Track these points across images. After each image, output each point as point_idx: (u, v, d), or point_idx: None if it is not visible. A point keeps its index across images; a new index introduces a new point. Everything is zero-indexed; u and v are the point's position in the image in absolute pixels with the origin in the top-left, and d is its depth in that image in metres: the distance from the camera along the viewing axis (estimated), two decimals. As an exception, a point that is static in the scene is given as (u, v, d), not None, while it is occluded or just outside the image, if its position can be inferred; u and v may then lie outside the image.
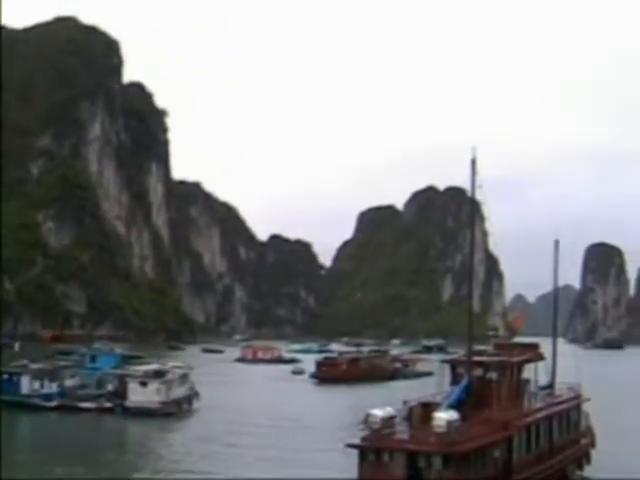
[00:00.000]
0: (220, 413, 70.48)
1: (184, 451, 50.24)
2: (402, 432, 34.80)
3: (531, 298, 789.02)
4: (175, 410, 67.27)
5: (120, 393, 67.26)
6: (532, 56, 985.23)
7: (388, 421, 34.60)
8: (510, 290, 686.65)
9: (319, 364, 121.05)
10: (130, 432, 60.41)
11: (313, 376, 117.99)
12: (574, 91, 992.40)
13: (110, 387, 69.70)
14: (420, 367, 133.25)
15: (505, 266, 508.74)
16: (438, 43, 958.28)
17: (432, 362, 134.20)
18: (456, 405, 35.73)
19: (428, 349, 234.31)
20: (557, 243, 48.74)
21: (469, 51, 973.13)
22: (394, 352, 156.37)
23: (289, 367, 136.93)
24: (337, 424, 64.51)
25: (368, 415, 34.22)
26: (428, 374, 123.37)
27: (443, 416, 33.32)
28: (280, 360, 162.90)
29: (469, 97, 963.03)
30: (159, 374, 68.18)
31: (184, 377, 71.82)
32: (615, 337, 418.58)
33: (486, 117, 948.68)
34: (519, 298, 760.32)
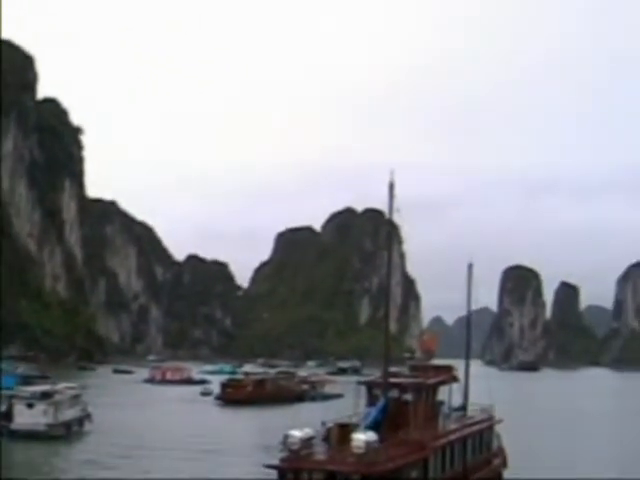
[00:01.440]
0: (113, 436, 67.48)
1: (65, 476, 48.52)
2: (321, 453, 34.99)
3: (449, 320, 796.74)
4: (63, 432, 64.29)
5: (9, 415, 64.22)
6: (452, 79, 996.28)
7: (307, 442, 34.73)
8: (429, 312, 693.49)
9: (224, 385, 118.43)
10: (10, 456, 56.29)
11: (217, 398, 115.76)
12: (507, 113, 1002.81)
13: (2, 408, 66.11)
14: (330, 389, 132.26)
15: (424, 288, 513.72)
16: (347, 58, 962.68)
17: (342, 384, 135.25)
18: (373, 426, 35.96)
19: (343, 371, 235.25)
20: (470, 267, 49.34)
21: (384, 64, 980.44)
22: (303, 373, 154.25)
23: (198, 388, 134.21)
24: (239, 446, 64.28)
25: (287, 436, 34.29)
26: (338, 396, 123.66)
27: (362, 437, 33.51)
28: (189, 381, 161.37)
29: (388, 117, 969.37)
30: (47, 395, 65.19)
31: (75, 398, 68.73)
32: (530, 359, 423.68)
33: (407, 136, 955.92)
34: (437, 320, 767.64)
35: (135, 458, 56.06)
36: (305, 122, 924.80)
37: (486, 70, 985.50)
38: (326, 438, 36.51)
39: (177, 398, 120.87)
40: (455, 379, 43.75)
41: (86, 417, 70.11)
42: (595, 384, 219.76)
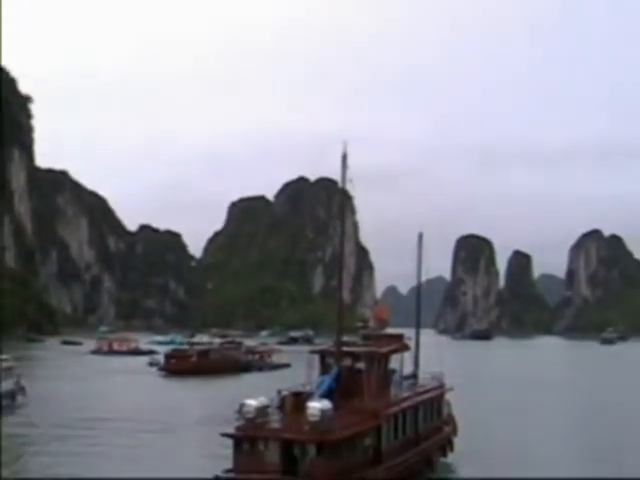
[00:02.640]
0: (46, 409, 65.87)
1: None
2: (276, 421, 35.41)
3: (404, 290, 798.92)
4: None
5: None
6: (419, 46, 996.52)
7: (262, 410, 35.12)
8: (384, 282, 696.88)
9: (168, 356, 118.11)
10: None
11: (161, 369, 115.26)
12: (457, 85, 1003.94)
13: None
14: (277, 359, 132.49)
15: (379, 258, 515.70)
16: (310, 24, 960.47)
17: (291, 354, 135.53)
18: (327, 395, 36.33)
19: (294, 340, 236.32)
20: (421, 236, 49.83)
21: (347, 37, 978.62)
22: (250, 343, 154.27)
23: (146, 359, 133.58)
24: (186, 417, 64.48)
25: (242, 405, 34.66)
26: (285, 366, 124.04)
27: (317, 405, 33.89)
28: (136, 352, 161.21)
29: (345, 86, 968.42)
30: None
31: (8, 370, 66.23)
32: (483, 328, 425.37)
33: (364, 107, 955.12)
34: (392, 290, 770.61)
35: (72, 429, 55.38)
36: (260, 91, 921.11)
37: (439, 39, 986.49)
38: (280, 407, 36.91)
39: (122, 369, 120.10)
40: (406, 348, 44.24)
41: (19, 390, 68.16)
42: (546, 353, 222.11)
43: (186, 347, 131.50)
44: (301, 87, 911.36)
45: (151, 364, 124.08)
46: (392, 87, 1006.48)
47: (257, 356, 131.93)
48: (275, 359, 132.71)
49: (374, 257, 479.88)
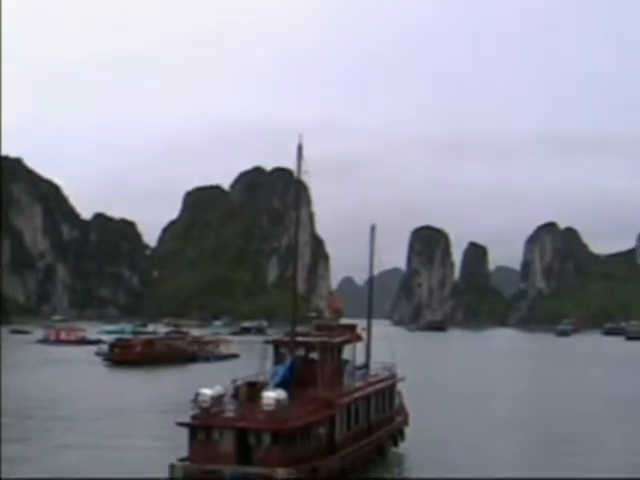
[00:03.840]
0: None
1: None
2: (232, 410, 35.77)
3: (360, 281, 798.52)
4: None
5: None
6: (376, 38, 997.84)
7: (217, 400, 35.49)
8: (341, 272, 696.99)
9: (112, 346, 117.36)
10: None
11: (106, 358, 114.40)
12: (412, 76, 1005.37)
13: None
14: (225, 349, 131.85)
15: (336, 249, 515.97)
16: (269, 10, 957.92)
17: (239, 344, 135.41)
18: (282, 384, 36.80)
19: (247, 331, 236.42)
20: (373, 228, 50.26)
21: (305, 28, 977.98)
22: (197, 333, 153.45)
23: (94, 348, 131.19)
24: (132, 407, 64.46)
25: (198, 394, 35.04)
26: (233, 356, 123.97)
27: (272, 395, 34.44)
28: (84, 341, 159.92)
29: (303, 76, 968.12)
30: None
31: None
32: (438, 319, 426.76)
33: (324, 98, 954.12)
34: (348, 280, 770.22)
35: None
36: (217, 79, 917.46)
37: (398, 28, 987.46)
38: (235, 396, 37.27)
39: (66, 358, 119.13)
40: (359, 338, 44.73)
41: None
42: (499, 344, 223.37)
43: (130, 337, 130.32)
44: (261, 77, 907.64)
45: (98, 354, 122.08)
46: (351, 78, 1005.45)
47: (204, 346, 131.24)
48: (223, 349, 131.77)
49: (331, 247, 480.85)
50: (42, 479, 38.77)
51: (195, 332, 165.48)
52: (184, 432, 35.00)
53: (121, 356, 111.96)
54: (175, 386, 78.96)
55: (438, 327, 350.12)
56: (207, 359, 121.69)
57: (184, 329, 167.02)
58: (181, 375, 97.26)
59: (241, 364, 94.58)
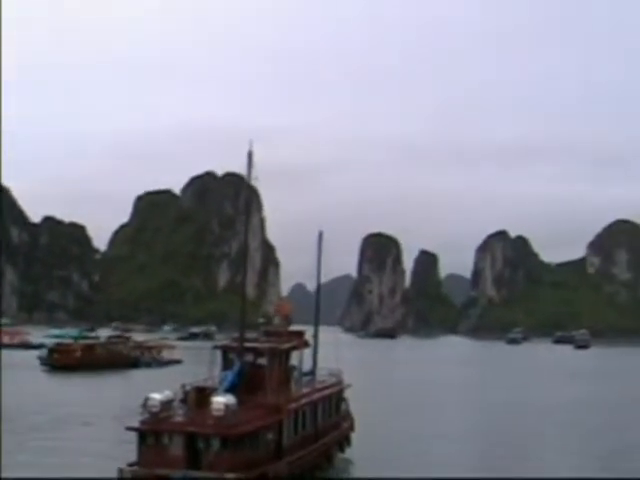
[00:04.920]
0: None
1: None
2: (181, 415, 35.94)
3: (311, 287, 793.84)
4: None
5: None
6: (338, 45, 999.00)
7: (167, 404, 35.62)
8: (293, 279, 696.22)
9: (51, 351, 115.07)
10: None
11: (44, 363, 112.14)
12: (379, 80, 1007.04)
13: None
14: (168, 355, 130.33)
15: (289, 255, 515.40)
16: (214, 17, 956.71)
17: (185, 350, 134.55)
18: (230, 390, 37.01)
19: (195, 336, 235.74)
20: (321, 235, 50.60)
21: (260, 30, 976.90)
22: (140, 338, 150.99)
23: (36, 353, 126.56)
24: (73, 414, 63.48)
25: (147, 399, 35.12)
26: (176, 362, 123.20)
27: (221, 400, 34.62)
28: (27, 345, 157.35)
29: (259, 80, 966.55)
30: None
31: None
32: (388, 327, 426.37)
33: (277, 102, 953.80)
34: (299, 287, 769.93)
35: None
36: (167, 83, 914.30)
37: (357, 26, 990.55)
38: (184, 401, 37.44)
39: (6, 363, 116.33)
40: (306, 344, 45.09)
41: None
42: (449, 352, 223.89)
43: (71, 341, 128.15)
44: (215, 82, 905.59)
45: (40, 358, 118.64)
46: (308, 83, 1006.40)
47: (146, 351, 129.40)
48: (166, 355, 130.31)
49: (284, 253, 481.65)
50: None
51: (142, 337, 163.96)
52: (132, 437, 35.10)
53: (60, 361, 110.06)
54: (116, 392, 78.60)
55: (388, 334, 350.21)
56: (149, 365, 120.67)
57: (127, 334, 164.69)
58: (122, 381, 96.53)
59: (184, 370, 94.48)
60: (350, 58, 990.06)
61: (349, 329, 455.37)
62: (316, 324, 49.81)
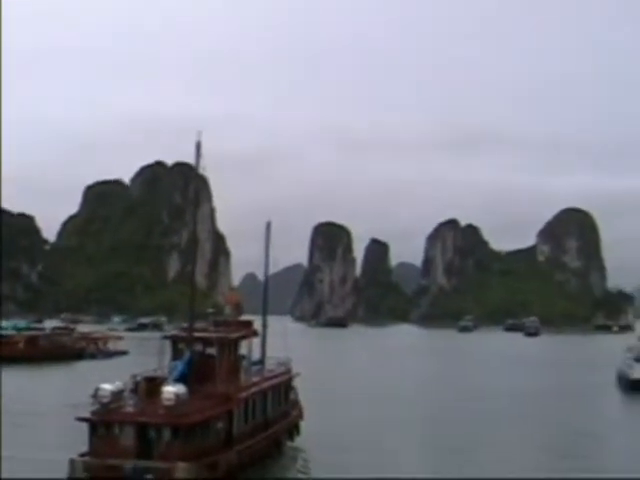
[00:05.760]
0: None
1: None
2: (132, 405, 36.08)
3: (263, 277, 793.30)
4: None
5: None
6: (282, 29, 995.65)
7: (117, 395, 35.74)
8: (244, 268, 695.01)
9: None
10: None
11: None
12: (331, 69, 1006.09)
13: None
14: (115, 346, 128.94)
15: (240, 243, 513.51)
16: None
17: (134, 340, 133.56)
18: (180, 379, 37.20)
19: (144, 326, 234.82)
20: (269, 225, 50.91)
21: (209, 21, 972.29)
22: (85, 329, 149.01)
23: None
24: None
25: (98, 389, 35.22)
26: (122, 353, 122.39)
27: (172, 390, 34.89)
28: None
29: (208, 70, 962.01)
30: None
31: None
32: (339, 315, 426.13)
33: (229, 91, 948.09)
34: (251, 276, 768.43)
35: None
36: (117, 73, 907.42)
37: (302, 16, 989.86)
38: (134, 391, 37.58)
39: None
40: (255, 334, 45.37)
41: None
42: (399, 340, 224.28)
43: (13, 333, 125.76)
44: (168, 72, 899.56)
45: None
46: (257, 73, 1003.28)
47: (91, 343, 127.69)
48: (112, 346, 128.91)
49: (236, 243, 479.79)
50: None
51: (90, 328, 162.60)
52: (82, 428, 35.16)
53: (2, 353, 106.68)
54: (61, 384, 77.91)
55: (339, 323, 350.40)
56: (94, 356, 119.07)
57: (73, 326, 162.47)
58: (66, 373, 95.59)
59: (131, 361, 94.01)
60: (301, 46, 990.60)
61: (300, 318, 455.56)
62: (264, 313, 50.10)
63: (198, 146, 39.93)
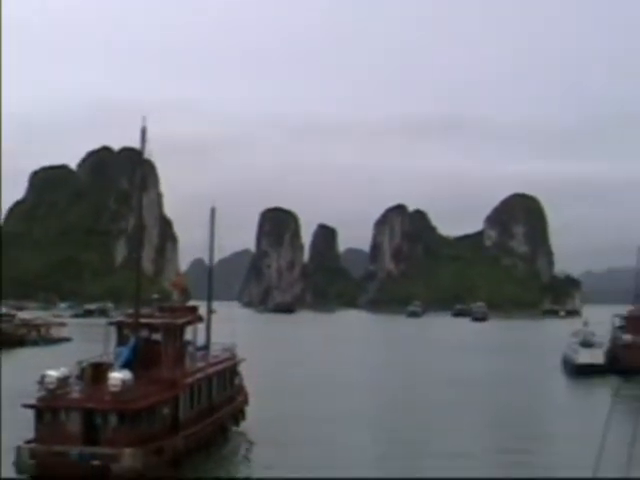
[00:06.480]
0: None
1: None
2: (78, 391, 36.12)
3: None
4: None
5: None
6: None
7: (63, 381, 35.75)
8: (193, 254, 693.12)
9: None
10: None
11: None
12: (267, 56, 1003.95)
13: None
14: (57, 332, 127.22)
15: (189, 229, 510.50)
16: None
17: (79, 327, 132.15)
18: (126, 365, 37.30)
19: (90, 313, 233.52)
20: (213, 211, 51.17)
21: (159, 7, 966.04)
22: (26, 316, 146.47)
23: None
24: None
25: (44, 376, 35.21)
26: (65, 340, 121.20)
27: (118, 376, 35.01)
28: None
29: (159, 54, 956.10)
30: None
31: None
32: (287, 301, 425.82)
33: (179, 78, 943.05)
34: (199, 262, 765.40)
35: None
36: (63, 58, 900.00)
37: (258, 14, 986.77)
38: (80, 377, 37.59)
39: None
40: (200, 319, 45.53)
41: None
42: (346, 326, 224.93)
43: None
44: (116, 57, 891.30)
45: None
46: (210, 59, 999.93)
47: (33, 330, 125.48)
48: (54, 333, 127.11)
49: (185, 228, 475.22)
50: None
51: (36, 315, 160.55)
52: (27, 415, 35.14)
53: None
54: (3, 371, 76.83)
55: (286, 309, 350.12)
56: (36, 343, 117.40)
57: (14, 312, 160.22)
58: (6, 360, 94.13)
59: (74, 347, 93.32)
60: (249, 35, 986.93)
61: (248, 304, 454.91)
62: (209, 299, 50.30)
63: (143, 131, 39.94)
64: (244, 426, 48.27)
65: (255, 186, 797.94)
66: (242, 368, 50.44)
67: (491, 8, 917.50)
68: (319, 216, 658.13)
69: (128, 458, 33.13)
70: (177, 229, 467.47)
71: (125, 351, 38.96)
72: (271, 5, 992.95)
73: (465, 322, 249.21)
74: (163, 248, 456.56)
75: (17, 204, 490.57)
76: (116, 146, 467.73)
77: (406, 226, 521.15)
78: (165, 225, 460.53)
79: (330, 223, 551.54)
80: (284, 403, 60.29)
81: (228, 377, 47.29)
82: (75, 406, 34.84)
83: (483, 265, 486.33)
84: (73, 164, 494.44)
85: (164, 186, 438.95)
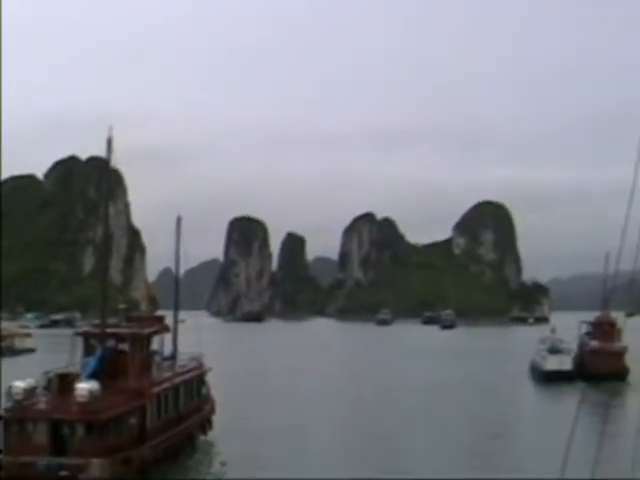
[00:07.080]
0: None
1: None
2: (45, 402, 36.03)
3: (180, 272, 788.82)
4: None
5: None
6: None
7: (30, 392, 35.68)
8: (161, 263, 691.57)
9: None
10: None
11: None
12: (236, 66, 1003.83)
13: None
14: (21, 343, 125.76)
15: (158, 239, 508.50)
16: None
17: (44, 338, 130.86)
18: (93, 376, 37.24)
19: (56, 323, 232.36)
20: (179, 220, 51.18)
21: (126, 15, 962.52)
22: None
23: None
24: None
25: (10, 387, 35.14)
26: (29, 351, 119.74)
27: (85, 386, 34.98)
28: None
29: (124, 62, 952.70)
30: None
31: None
32: (255, 310, 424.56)
33: (147, 86, 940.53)
34: (167, 272, 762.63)
35: None
36: (31, 66, 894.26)
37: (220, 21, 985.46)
38: (47, 388, 37.51)
39: None
40: (167, 329, 45.58)
41: None
42: (314, 334, 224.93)
43: None
44: (83, 66, 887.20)
45: None
46: (177, 66, 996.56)
47: None
48: (18, 344, 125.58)
49: (154, 238, 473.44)
50: None
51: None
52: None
53: None
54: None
55: (255, 318, 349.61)
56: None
57: None
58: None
59: (38, 359, 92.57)
60: (217, 44, 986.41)
61: (216, 313, 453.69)
62: (176, 308, 50.34)
63: (109, 141, 39.99)
64: (211, 435, 48.36)
65: (223, 195, 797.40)
66: (209, 377, 50.50)
67: (456, 18, 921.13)
68: (288, 225, 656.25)
69: (96, 468, 33.17)
70: (145, 239, 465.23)
71: (92, 361, 38.91)
72: (237, 16, 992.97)
73: (434, 330, 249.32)
74: (131, 258, 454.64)
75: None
76: (83, 155, 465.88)
77: (374, 234, 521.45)
78: (133, 235, 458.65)
79: (299, 232, 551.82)
80: (251, 412, 60.38)
81: (195, 386, 47.36)
82: (42, 417, 34.81)
83: (452, 273, 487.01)
84: (40, 173, 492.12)
85: (132, 196, 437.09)
